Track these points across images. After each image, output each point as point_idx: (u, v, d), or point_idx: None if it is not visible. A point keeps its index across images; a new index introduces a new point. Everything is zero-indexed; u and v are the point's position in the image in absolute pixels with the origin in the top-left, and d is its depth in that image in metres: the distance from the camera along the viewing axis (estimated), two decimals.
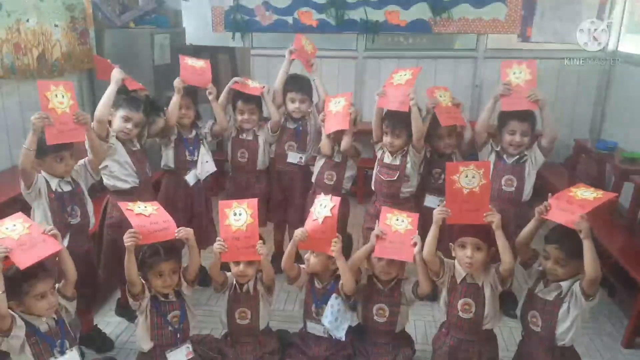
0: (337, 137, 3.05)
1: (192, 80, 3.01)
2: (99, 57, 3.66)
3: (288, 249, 2.44)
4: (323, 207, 2.37)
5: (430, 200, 3.01)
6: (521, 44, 4.86)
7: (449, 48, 5.19)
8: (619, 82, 4.50)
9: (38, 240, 2.00)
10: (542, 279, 2.24)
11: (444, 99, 2.90)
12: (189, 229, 2.30)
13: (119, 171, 2.73)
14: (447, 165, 2.30)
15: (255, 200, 2.39)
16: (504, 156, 2.83)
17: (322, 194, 2.46)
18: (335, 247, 2.33)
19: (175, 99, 2.96)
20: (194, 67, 3.05)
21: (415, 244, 2.31)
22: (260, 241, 2.36)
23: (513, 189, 2.79)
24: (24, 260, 1.92)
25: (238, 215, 2.35)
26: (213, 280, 2.48)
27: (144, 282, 2.29)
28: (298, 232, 2.38)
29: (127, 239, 2.14)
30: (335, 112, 2.99)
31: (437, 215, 2.26)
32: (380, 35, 4.89)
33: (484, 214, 2.19)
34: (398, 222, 2.40)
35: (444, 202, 2.29)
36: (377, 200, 3.05)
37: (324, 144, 3.08)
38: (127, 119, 2.71)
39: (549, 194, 2.23)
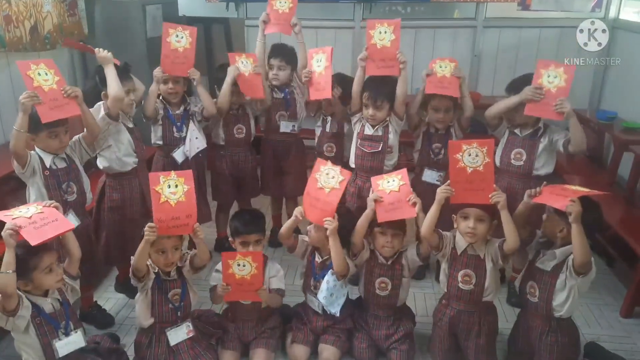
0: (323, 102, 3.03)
1: (173, 69, 2.86)
2: (71, 40, 3.49)
3: (288, 222, 2.42)
4: (331, 177, 2.33)
5: (428, 175, 2.92)
6: (521, 12, 4.76)
7: (447, 17, 5.08)
8: (619, 50, 4.42)
9: (50, 219, 1.97)
10: (542, 250, 2.24)
11: (443, 69, 2.76)
12: (201, 229, 2.30)
13: (124, 151, 2.67)
14: (450, 144, 2.26)
15: (260, 253, 2.35)
16: (516, 130, 2.73)
17: (329, 163, 2.39)
18: (330, 226, 2.28)
19: (153, 87, 2.85)
20: (177, 52, 2.85)
21: (414, 204, 2.28)
22: (264, 287, 2.36)
23: (521, 162, 2.70)
24: (35, 237, 1.88)
25: (242, 266, 2.32)
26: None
27: (148, 264, 2.28)
28: (297, 211, 2.37)
29: (147, 233, 2.14)
30: (318, 73, 2.90)
31: (440, 194, 2.22)
32: (377, 4, 4.78)
33: (490, 195, 2.17)
34: (390, 184, 2.36)
35: (444, 176, 2.25)
36: (357, 178, 2.95)
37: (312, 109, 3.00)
38: (128, 91, 2.66)
39: (544, 183, 2.20)
